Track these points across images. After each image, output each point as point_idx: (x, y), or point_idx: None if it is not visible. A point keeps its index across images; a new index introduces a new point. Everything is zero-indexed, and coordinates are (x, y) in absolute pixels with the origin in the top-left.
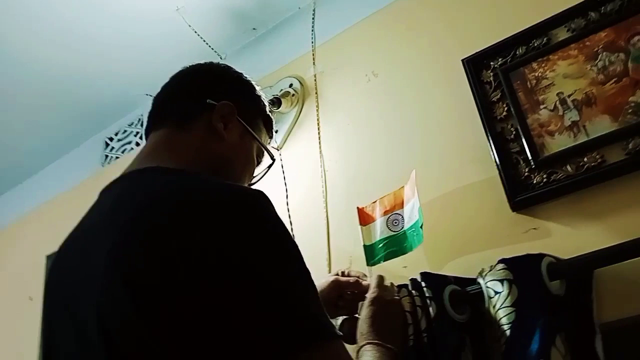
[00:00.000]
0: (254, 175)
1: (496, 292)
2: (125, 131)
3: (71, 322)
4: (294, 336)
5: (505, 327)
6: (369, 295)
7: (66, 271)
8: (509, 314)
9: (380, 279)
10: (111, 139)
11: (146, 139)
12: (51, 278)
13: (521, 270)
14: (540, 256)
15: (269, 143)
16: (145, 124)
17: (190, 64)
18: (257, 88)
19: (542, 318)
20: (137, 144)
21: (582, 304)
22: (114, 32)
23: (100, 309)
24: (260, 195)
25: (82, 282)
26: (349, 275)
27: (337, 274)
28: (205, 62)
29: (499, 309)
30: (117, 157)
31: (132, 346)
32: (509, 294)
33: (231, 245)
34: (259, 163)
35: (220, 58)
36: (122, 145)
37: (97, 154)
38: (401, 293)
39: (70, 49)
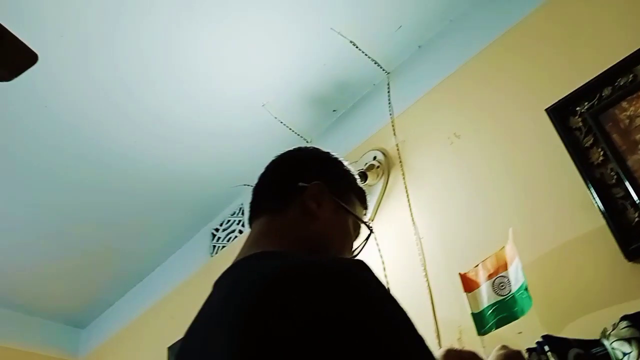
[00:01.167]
0: (354, 248)
1: (624, 354)
2: (229, 221)
3: None
4: None
5: None
6: (500, 346)
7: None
8: None
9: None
10: (217, 230)
11: (250, 227)
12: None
13: None
14: None
15: (364, 215)
16: (247, 214)
17: (281, 152)
18: (346, 163)
19: None
20: (241, 232)
21: None
22: (209, 126)
23: None
24: (360, 263)
25: None
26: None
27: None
28: (294, 148)
29: None
30: (223, 247)
31: None
32: (639, 354)
33: (337, 314)
34: (356, 236)
35: (307, 142)
36: (227, 235)
37: (205, 245)
38: (532, 358)
39: (169, 142)
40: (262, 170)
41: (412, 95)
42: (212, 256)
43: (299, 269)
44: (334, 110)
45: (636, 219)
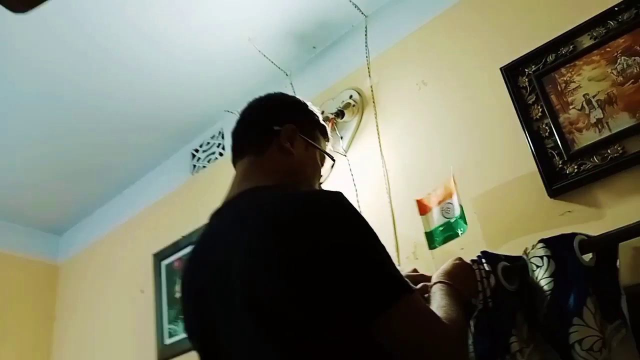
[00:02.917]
0: (321, 175)
1: (538, 266)
2: (208, 143)
3: (218, 297)
4: (391, 290)
5: (547, 293)
6: (456, 258)
7: (206, 268)
8: (548, 282)
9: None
10: (197, 151)
11: (234, 166)
12: (193, 272)
13: (557, 248)
14: (573, 235)
15: (327, 146)
16: (231, 155)
17: (251, 101)
18: (309, 104)
19: (576, 285)
20: (221, 154)
21: (609, 271)
22: (197, 54)
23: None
24: (341, 194)
25: (227, 275)
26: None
27: None
28: (264, 96)
29: (540, 279)
30: (204, 167)
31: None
32: (548, 267)
33: (333, 234)
34: (322, 165)
35: (287, 75)
36: (207, 156)
37: (186, 164)
38: (473, 266)
39: (160, 64)
40: (241, 98)
41: (387, 40)
42: (192, 174)
43: (305, 201)
44: (313, 47)
45: (559, 165)
